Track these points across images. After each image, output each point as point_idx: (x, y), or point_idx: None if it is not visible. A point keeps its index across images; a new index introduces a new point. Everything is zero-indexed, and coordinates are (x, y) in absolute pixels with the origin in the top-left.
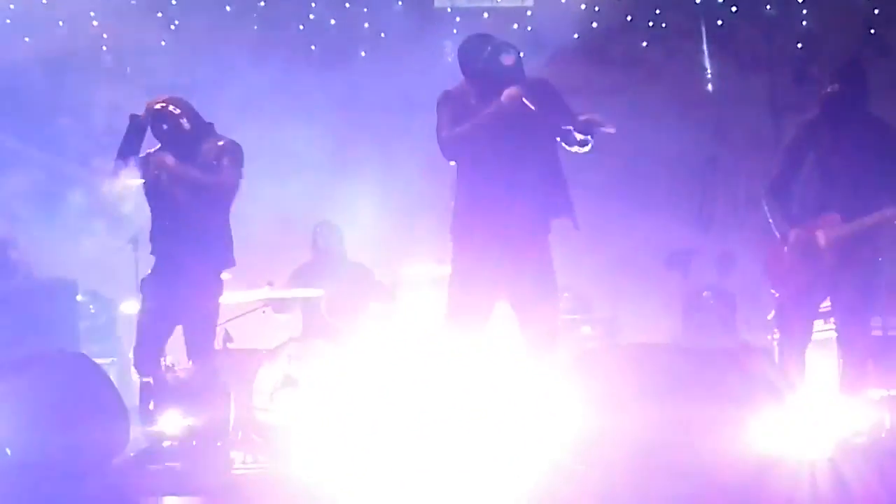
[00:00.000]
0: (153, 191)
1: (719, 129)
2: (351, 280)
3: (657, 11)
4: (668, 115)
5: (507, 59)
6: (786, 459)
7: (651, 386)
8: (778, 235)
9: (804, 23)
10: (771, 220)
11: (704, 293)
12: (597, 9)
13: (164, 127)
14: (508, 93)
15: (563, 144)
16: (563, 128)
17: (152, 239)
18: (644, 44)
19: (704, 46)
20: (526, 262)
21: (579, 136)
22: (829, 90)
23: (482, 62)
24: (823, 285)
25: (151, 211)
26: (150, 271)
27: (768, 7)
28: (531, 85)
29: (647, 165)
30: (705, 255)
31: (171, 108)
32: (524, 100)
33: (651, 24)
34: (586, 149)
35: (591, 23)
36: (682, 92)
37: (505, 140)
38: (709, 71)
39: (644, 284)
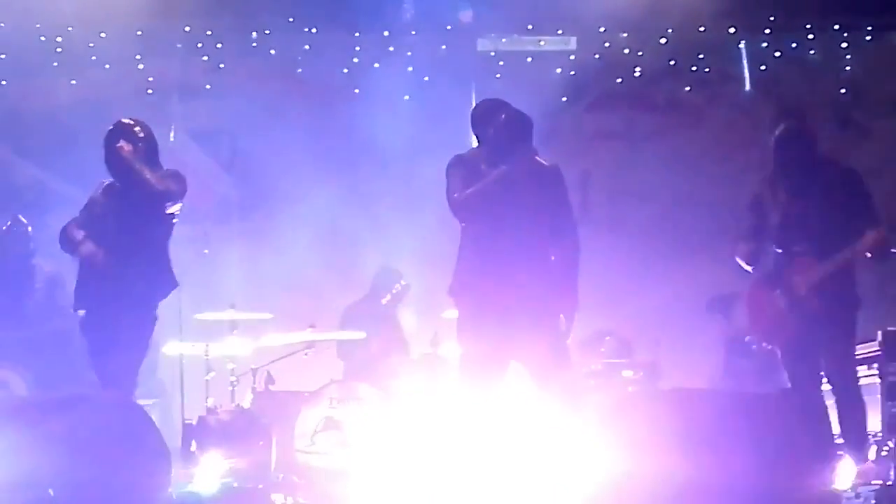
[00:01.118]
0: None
1: (762, 172)
2: (399, 324)
3: (700, 56)
4: (711, 159)
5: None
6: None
7: (692, 431)
8: (757, 284)
9: (847, 68)
10: (748, 265)
11: (747, 338)
12: (640, 53)
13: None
14: (522, 154)
15: None
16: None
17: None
18: (687, 88)
19: (747, 90)
20: (534, 326)
21: None
22: (778, 134)
23: (494, 128)
24: (814, 330)
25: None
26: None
27: (812, 52)
28: (542, 168)
29: (688, 209)
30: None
31: (136, 129)
32: (538, 158)
33: (694, 68)
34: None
35: (634, 67)
36: (725, 136)
37: (515, 204)
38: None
39: (685, 329)
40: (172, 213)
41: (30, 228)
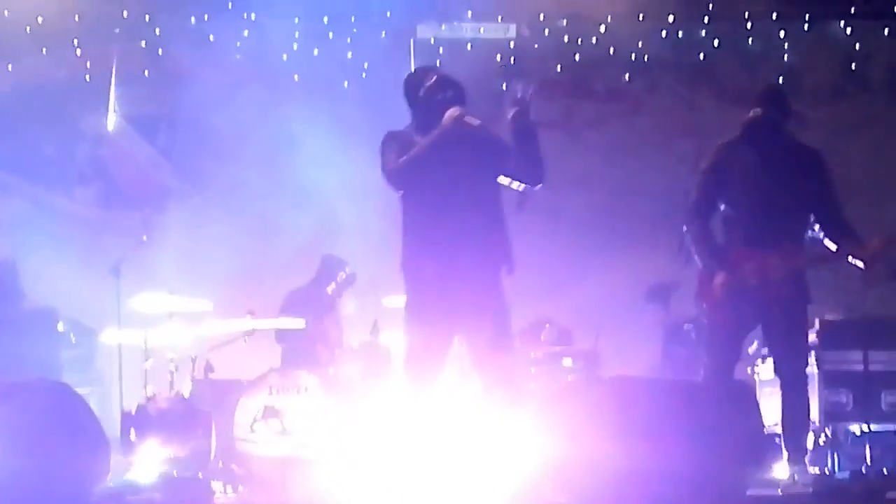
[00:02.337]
0: None
1: (700, 161)
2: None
3: (639, 44)
4: (650, 147)
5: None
6: (763, 494)
7: (632, 419)
8: (701, 266)
9: (785, 57)
10: (694, 250)
11: (685, 326)
12: (579, 41)
13: None
14: (449, 113)
15: (516, 183)
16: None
17: None
18: (626, 76)
19: (686, 79)
20: (478, 296)
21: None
22: (751, 115)
23: (424, 94)
24: (751, 319)
25: None
26: None
27: (750, 41)
28: (472, 129)
29: (628, 198)
30: (685, 288)
31: None
32: (466, 119)
33: (633, 56)
34: (537, 186)
35: (574, 55)
36: (664, 124)
37: (450, 168)
38: (690, 105)
39: (624, 317)
40: None
41: None
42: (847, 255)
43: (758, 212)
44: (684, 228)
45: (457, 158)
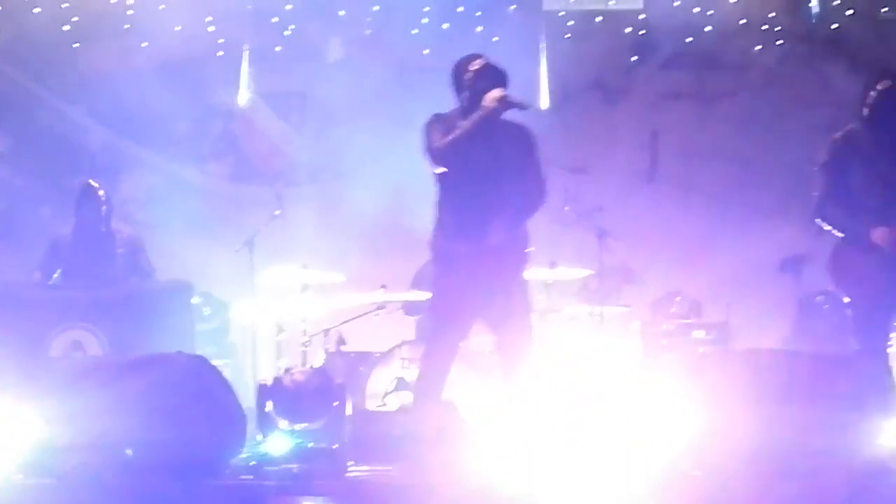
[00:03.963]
0: None
1: (834, 132)
2: None
3: (771, 15)
4: (782, 118)
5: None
6: None
7: (764, 391)
8: (841, 240)
9: None
10: (837, 230)
11: (818, 298)
12: (710, 12)
13: None
14: (491, 95)
15: None
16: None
17: None
18: (758, 47)
19: (819, 49)
20: (503, 282)
21: None
22: (883, 89)
23: (469, 79)
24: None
25: None
26: None
27: (884, 10)
28: (510, 124)
29: (759, 169)
30: (818, 260)
31: None
32: (509, 99)
33: (765, 27)
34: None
35: (705, 26)
36: (797, 95)
37: (488, 152)
38: (823, 74)
39: (757, 289)
40: None
41: (101, 192)
42: None
43: (889, 193)
44: (817, 220)
45: (494, 145)
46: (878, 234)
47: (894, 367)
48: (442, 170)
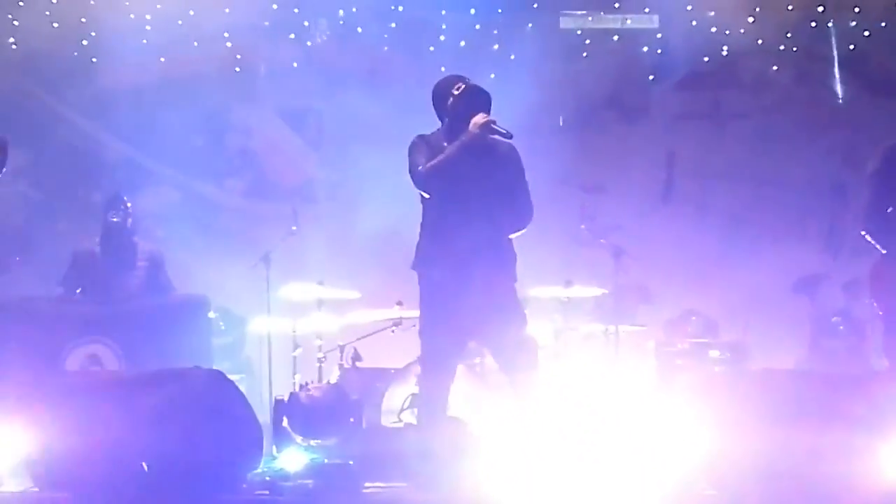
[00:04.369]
0: None
1: (849, 154)
2: None
3: (788, 35)
4: (798, 139)
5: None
6: None
7: (779, 411)
8: (883, 255)
9: None
10: (878, 245)
11: (834, 319)
12: (727, 32)
13: None
14: (475, 121)
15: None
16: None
17: None
18: (774, 67)
19: (836, 70)
20: (490, 303)
21: None
22: None
23: (453, 102)
24: None
25: None
26: None
27: None
28: (497, 143)
29: (776, 190)
30: (833, 280)
31: None
32: (493, 125)
33: (782, 47)
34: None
35: (721, 46)
36: (813, 116)
37: (472, 176)
38: (840, 96)
39: (772, 309)
40: None
41: (129, 204)
42: None
43: None
44: (862, 232)
45: (480, 167)
46: None
47: None
48: (425, 195)
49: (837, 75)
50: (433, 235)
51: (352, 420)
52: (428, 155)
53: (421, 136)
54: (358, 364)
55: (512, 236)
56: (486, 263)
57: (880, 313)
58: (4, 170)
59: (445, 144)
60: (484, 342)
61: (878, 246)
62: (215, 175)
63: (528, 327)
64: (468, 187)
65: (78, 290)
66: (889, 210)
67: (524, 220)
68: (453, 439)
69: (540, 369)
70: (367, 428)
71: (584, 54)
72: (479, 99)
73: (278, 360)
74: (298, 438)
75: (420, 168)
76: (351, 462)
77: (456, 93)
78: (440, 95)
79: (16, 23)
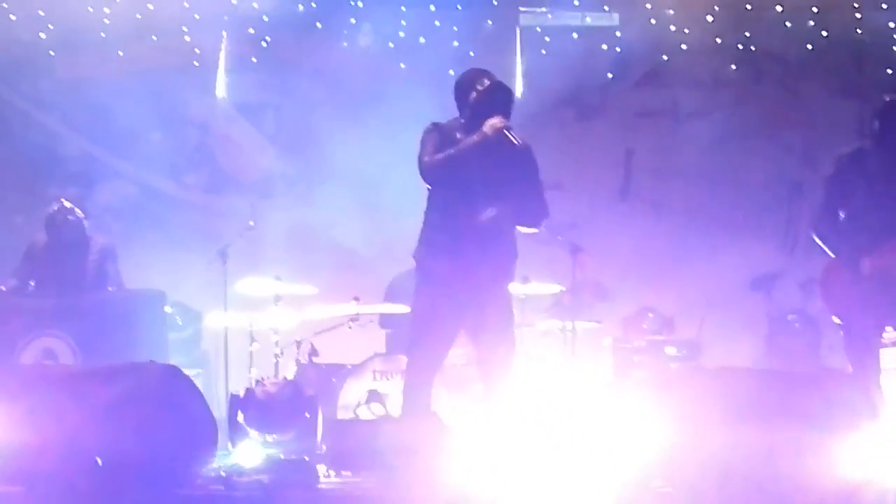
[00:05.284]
0: None
1: (806, 153)
2: None
3: (746, 34)
4: (756, 137)
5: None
6: (870, 485)
7: (734, 408)
8: (832, 260)
9: (895, 47)
10: (829, 249)
11: (790, 317)
12: (686, 30)
13: None
14: (492, 122)
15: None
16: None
17: None
18: (733, 66)
19: (793, 70)
20: (485, 300)
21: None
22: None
23: (476, 96)
24: (873, 312)
25: None
26: None
27: (859, 31)
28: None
29: (733, 188)
30: (789, 279)
31: None
32: (507, 132)
33: (740, 46)
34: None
35: (680, 44)
36: (770, 115)
37: (480, 175)
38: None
39: (728, 307)
40: None
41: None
42: None
43: (887, 213)
44: (812, 234)
45: (491, 164)
46: (867, 265)
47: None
48: (428, 187)
49: (795, 74)
50: (436, 227)
51: (307, 415)
52: (439, 145)
53: (435, 125)
54: (314, 360)
55: (524, 231)
56: (486, 259)
57: (836, 321)
58: None
59: (459, 137)
60: (472, 335)
61: (827, 250)
62: (173, 169)
63: (513, 324)
64: (476, 184)
65: (31, 283)
66: (841, 216)
67: (538, 218)
68: (425, 433)
69: (515, 365)
70: (334, 421)
71: (543, 51)
72: (502, 97)
73: (235, 355)
74: (254, 433)
75: (426, 159)
76: (306, 457)
77: (480, 88)
78: (463, 88)
79: None
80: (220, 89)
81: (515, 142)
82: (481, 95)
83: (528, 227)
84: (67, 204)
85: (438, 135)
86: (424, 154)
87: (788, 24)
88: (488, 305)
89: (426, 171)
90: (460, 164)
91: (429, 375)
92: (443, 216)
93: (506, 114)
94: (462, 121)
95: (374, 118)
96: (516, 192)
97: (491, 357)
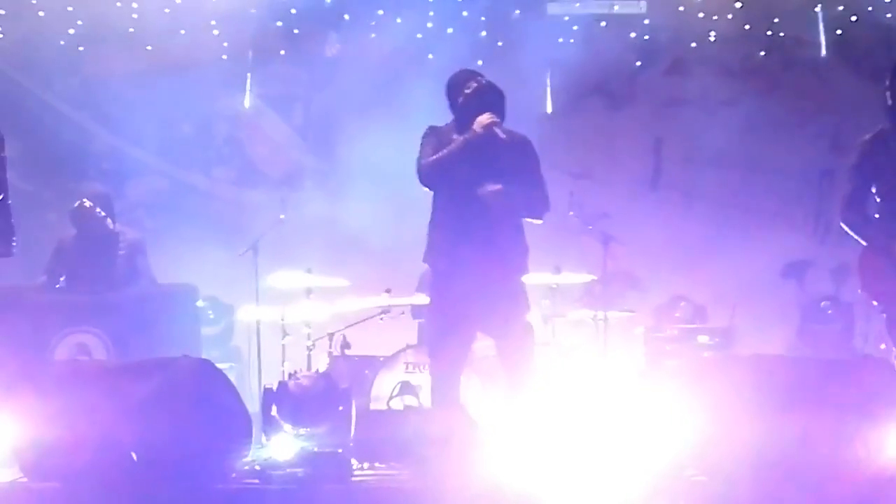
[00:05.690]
0: None
1: (837, 139)
2: None
3: (775, 20)
4: (786, 125)
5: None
6: None
7: (769, 396)
8: (866, 246)
9: None
10: (858, 237)
11: (822, 304)
12: (714, 17)
13: None
14: (480, 119)
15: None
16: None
17: None
18: (762, 53)
19: (823, 56)
20: (497, 296)
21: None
22: None
23: (465, 98)
24: None
25: None
26: None
27: (889, 15)
28: (512, 138)
29: (763, 176)
30: (821, 266)
31: None
32: (495, 128)
33: (769, 33)
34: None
35: (709, 31)
36: (800, 102)
37: (476, 172)
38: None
39: (760, 294)
40: None
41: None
42: None
43: None
44: (840, 223)
45: (484, 163)
46: None
47: None
48: (429, 188)
49: (825, 61)
50: (439, 228)
51: (341, 408)
52: (436, 147)
53: (432, 128)
54: (347, 352)
55: (531, 221)
56: (494, 255)
57: (875, 304)
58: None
59: (454, 138)
60: (488, 331)
61: (857, 237)
62: (203, 164)
63: (528, 314)
64: (474, 182)
65: (62, 279)
66: (877, 200)
67: (541, 211)
68: (453, 424)
69: (534, 357)
70: (365, 412)
71: (572, 40)
72: (490, 98)
73: (267, 348)
74: (287, 427)
75: (422, 161)
76: (340, 450)
77: (467, 91)
78: (452, 90)
79: (2, 12)
80: (247, 101)
81: (502, 136)
82: (468, 99)
83: (531, 218)
84: (87, 203)
85: (435, 137)
86: (421, 157)
87: (818, 9)
88: (501, 300)
89: (421, 174)
90: (453, 164)
91: (454, 371)
92: (445, 217)
93: (498, 114)
94: (455, 123)
95: (402, 109)
96: (517, 186)
97: (510, 350)
